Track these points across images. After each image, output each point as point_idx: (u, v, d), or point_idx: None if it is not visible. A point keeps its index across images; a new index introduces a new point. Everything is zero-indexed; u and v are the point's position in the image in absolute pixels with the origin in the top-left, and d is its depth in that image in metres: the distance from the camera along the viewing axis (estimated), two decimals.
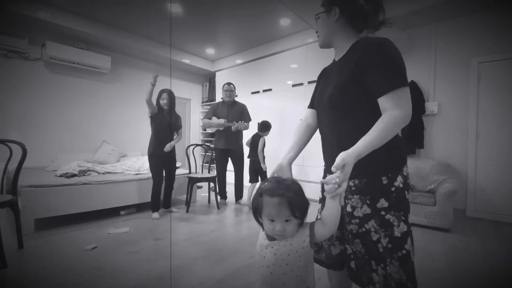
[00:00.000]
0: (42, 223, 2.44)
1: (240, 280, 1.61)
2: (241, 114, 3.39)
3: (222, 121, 3.28)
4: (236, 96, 4.79)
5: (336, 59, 0.92)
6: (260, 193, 0.73)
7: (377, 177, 0.80)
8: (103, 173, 3.09)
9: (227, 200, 3.57)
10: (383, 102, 0.74)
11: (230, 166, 3.54)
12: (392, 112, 0.71)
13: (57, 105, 3.87)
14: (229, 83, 3.44)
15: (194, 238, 2.28)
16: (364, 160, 0.70)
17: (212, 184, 3.74)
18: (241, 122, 3.25)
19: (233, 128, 3.22)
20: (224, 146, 3.37)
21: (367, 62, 0.76)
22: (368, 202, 0.80)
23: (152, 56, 4.71)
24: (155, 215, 2.80)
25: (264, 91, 4.55)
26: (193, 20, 3.72)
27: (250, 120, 3.47)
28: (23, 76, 3.57)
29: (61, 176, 2.72)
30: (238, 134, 3.40)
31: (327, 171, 0.94)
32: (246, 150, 3.62)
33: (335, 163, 0.65)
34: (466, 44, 3.07)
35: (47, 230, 2.37)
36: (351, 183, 0.84)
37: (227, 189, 3.62)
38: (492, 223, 2.79)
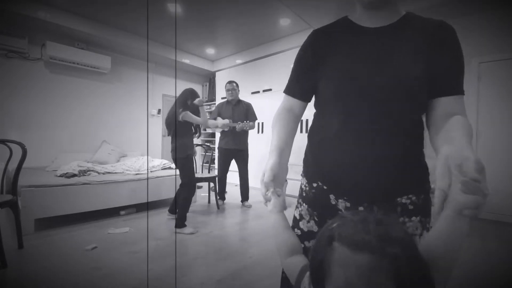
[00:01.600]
0: (42, 223, 2.44)
1: (240, 280, 1.61)
2: (247, 113, 3.32)
3: (226, 121, 3.23)
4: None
5: (374, 25, 0.63)
6: (329, 238, 0.37)
7: (431, 192, 0.56)
8: (103, 173, 3.09)
9: (225, 201, 3.55)
10: (451, 103, 0.57)
11: (232, 167, 3.52)
12: (465, 117, 0.54)
13: (57, 105, 3.87)
14: (231, 82, 3.38)
15: (193, 238, 2.28)
16: (421, 169, 0.58)
17: (212, 184, 3.74)
18: (247, 122, 3.20)
19: (237, 128, 3.17)
20: (229, 146, 3.30)
21: (442, 50, 0.57)
22: (428, 226, 0.61)
23: (152, 56, 4.71)
24: (191, 229, 2.44)
25: (264, 91, 4.56)
26: (193, 20, 3.72)
27: (256, 119, 3.40)
28: (23, 76, 3.57)
29: (61, 176, 2.72)
30: (244, 134, 3.35)
31: (336, 192, 0.64)
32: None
33: (476, 166, 0.35)
34: (466, 44, 3.04)
35: (47, 230, 2.37)
36: (405, 200, 0.59)
37: (226, 190, 3.61)
38: (492, 223, 2.79)
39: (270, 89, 4.45)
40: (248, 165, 3.43)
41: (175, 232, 2.40)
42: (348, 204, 0.63)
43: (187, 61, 5.11)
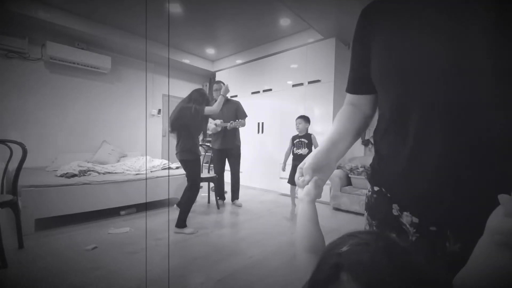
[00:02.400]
0: (42, 223, 2.44)
1: (240, 280, 1.61)
2: (236, 111, 3.35)
3: (218, 121, 3.25)
4: (236, 96, 4.81)
5: None
6: (335, 266, 0.28)
7: None
8: (103, 173, 3.09)
9: (225, 201, 3.56)
10: None
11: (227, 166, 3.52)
12: None
13: (57, 105, 3.87)
14: (218, 82, 3.38)
15: (193, 238, 2.28)
16: None
17: (212, 184, 3.74)
18: (238, 120, 3.23)
19: (228, 126, 3.20)
20: (221, 147, 3.35)
21: None
22: None
23: (152, 56, 4.71)
24: (191, 229, 2.45)
25: (264, 91, 4.56)
26: (193, 20, 3.72)
27: (246, 116, 3.42)
28: (24, 76, 3.57)
29: (61, 176, 2.72)
30: (235, 134, 3.38)
31: (401, 202, 0.51)
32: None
33: None
34: None
35: (47, 230, 2.37)
36: None
37: (226, 190, 3.62)
38: None
39: (270, 89, 4.45)
40: (240, 164, 3.48)
41: (172, 232, 2.40)
42: (415, 220, 0.48)
43: (187, 61, 5.11)
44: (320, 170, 0.53)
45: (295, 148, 3.13)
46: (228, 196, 3.63)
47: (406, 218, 0.49)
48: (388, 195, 0.53)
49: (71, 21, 3.58)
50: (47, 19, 3.39)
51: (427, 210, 0.46)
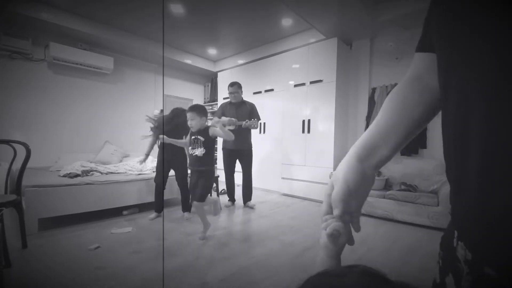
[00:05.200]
0: (45, 223, 2.46)
1: (242, 280, 1.61)
2: (250, 114, 3.28)
3: (233, 119, 3.18)
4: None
5: None
6: None
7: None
8: (106, 173, 3.10)
9: (235, 202, 3.50)
10: None
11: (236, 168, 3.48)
12: None
13: (60, 106, 3.90)
14: (232, 84, 3.31)
15: (196, 238, 2.29)
16: None
17: (214, 185, 3.75)
18: (254, 119, 3.16)
19: (243, 125, 3.11)
20: (234, 147, 3.26)
21: None
22: None
23: (154, 56, 4.73)
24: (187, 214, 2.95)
25: (266, 91, 4.56)
26: (195, 21, 3.74)
27: (260, 119, 3.36)
28: (27, 77, 3.60)
29: (64, 176, 2.74)
30: (248, 134, 3.33)
31: (459, 228, 0.33)
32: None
33: None
34: None
35: (51, 230, 2.38)
36: None
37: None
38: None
39: (272, 89, 4.45)
40: (252, 165, 3.41)
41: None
42: (469, 256, 0.30)
43: (189, 61, 5.12)
44: (339, 205, 0.39)
45: (191, 148, 2.33)
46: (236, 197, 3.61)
47: (460, 251, 0.32)
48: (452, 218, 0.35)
49: (74, 22, 3.61)
50: (50, 20, 3.42)
51: (483, 242, 0.28)
